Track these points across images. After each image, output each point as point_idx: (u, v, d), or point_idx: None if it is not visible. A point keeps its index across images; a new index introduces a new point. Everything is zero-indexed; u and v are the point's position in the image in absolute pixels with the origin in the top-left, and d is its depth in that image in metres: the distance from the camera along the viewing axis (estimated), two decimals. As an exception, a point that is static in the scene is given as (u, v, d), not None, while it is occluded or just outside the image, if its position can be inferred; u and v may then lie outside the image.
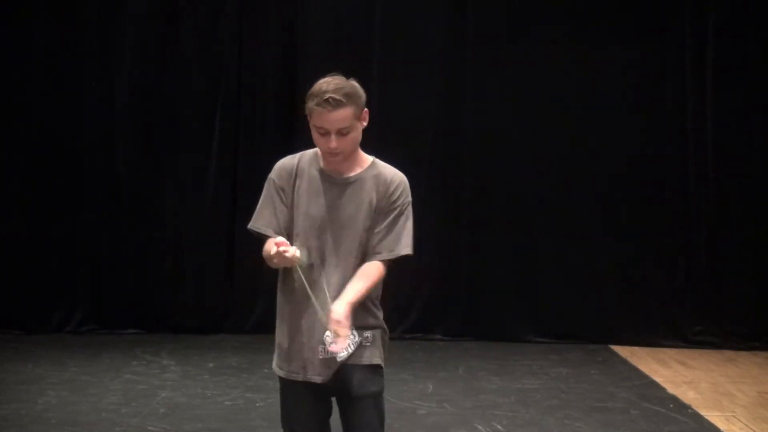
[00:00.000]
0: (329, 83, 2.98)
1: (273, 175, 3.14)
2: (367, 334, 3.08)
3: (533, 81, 8.14)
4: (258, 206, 3.16)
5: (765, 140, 8.09)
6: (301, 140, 7.95)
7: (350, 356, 3.02)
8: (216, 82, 8.22)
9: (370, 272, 3.03)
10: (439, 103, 8.18)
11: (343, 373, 3.05)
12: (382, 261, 3.06)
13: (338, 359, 3.01)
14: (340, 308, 2.90)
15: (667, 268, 8.15)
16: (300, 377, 3.09)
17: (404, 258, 3.10)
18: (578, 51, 8.10)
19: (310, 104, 2.98)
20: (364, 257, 3.07)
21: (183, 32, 8.19)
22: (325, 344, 2.99)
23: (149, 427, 5.35)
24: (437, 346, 7.94)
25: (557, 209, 8.14)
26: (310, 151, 3.16)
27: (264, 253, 3.03)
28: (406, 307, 7.91)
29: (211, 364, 7.07)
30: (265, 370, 6.82)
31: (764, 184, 8.07)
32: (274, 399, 5.97)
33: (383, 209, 3.08)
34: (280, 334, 3.15)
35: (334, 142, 2.98)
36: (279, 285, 3.17)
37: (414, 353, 7.39)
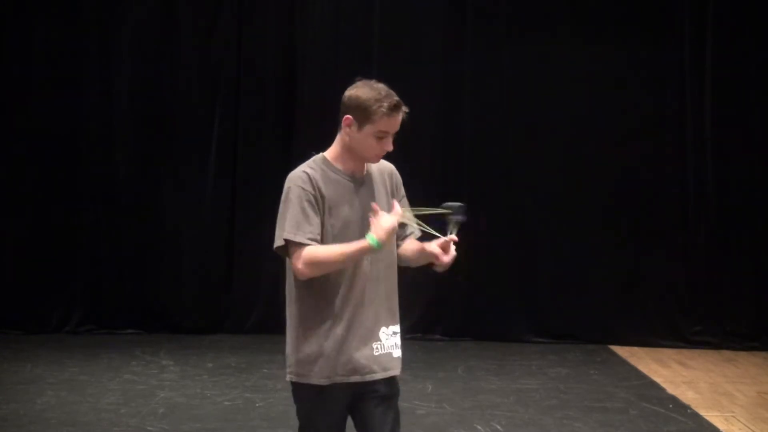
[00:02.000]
0: (382, 88, 3.00)
1: (300, 183, 2.97)
2: (398, 338, 3.18)
3: (533, 81, 8.13)
4: (288, 217, 2.96)
5: (764, 140, 8.09)
6: (300, 141, 8.03)
7: (386, 360, 3.10)
8: (215, 83, 8.22)
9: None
10: (438, 103, 8.18)
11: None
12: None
13: (398, 357, 3.13)
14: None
15: (666, 269, 8.14)
16: (347, 379, 3.03)
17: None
18: (578, 51, 8.09)
19: (379, 110, 2.95)
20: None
21: (182, 33, 8.19)
22: (381, 340, 3.09)
23: (148, 427, 5.35)
24: (436, 346, 7.94)
25: (556, 209, 8.14)
26: (317, 157, 3.09)
27: (328, 258, 2.93)
28: (406, 307, 7.89)
29: (210, 365, 7.06)
30: (265, 371, 6.82)
31: (764, 185, 8.07)
32: (273, 399, 6.00)
33: (399, 199, 3.16)
34: (317, 341, 3.02)
35: (391, 144, 3.03)
36: (306, 291, 3.03)
37: (413, 353, 7.39)
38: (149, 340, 7.85)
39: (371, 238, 2.87)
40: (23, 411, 5.65)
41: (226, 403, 5.97)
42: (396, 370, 3.12)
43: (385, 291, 3.13)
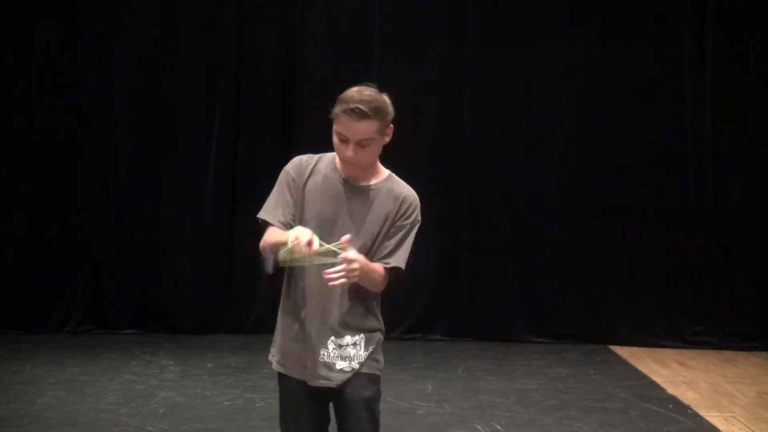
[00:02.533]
0: (361, 93, 2.98)
1: (289, 166, 3.14)
2: (372, 346, 3.13)
3: (533, 81, 8.13)
4: (270, 196, 3.15)
5: (765, 140, 8.09)
6: (300, 141, 8.01)
7: (329, 369, 3.07)
8: (215, 82, 8.21)
9: (377, 266, 3.05)
10: (438, 102, 8.18)
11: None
12: (385, 268, 3.08)
13: (342, 369, 3.06)
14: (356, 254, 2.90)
15: (666, 268, 8.15)
16: (299, 376, 3.12)
17: (397, 272, 3.11)
18: (578, 51, 8.09)
19: (337, 109, 2.98)
20: None
21: (182, 33, 8.18)
22: (328, 349, 3.06)
23: (148, 427, 5.35)
24: (436, 346, 7.93)
25: (556, 209, 8.14)
26: (330, 154, 3.15)
27: (265, 243, 3.03)
28: (406, 307, 7.91)
29: (210, 365, 7.07)
30: (265, 371, 6.82)
31: (763, 185, 8.07)
32: (274, 399, 5.96)
33: (394, 223, 3.11)
34: (282, 332, 3.17)
35: (351, 151, 2.99)
36: (285, 284, 3.17)
37: (413, 353, 7.39)
38: (149, 340, 7.84)
39: (290, 235, 2.85)
40: (23, 411, 5.65)
41: (226, 403, 5.97)
42: (334, 382, 3.07)
43: (341, 303, 3.07)
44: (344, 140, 2.99)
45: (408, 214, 3.12)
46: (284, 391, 3.20)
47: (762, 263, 8.07)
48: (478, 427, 5.48)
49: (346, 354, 3.08)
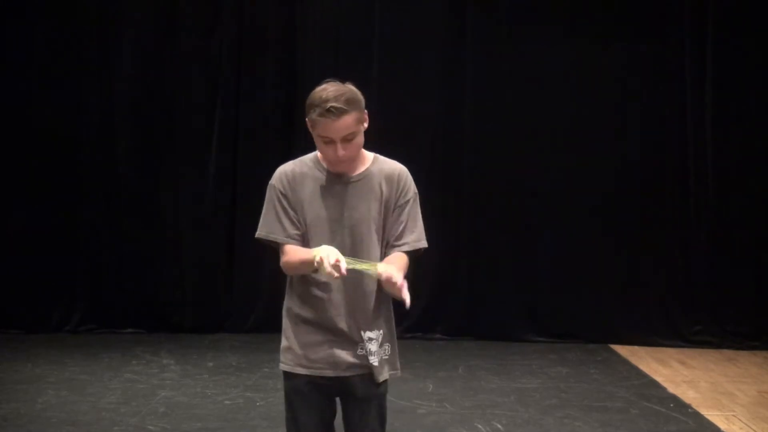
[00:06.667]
0: (328, 91, 2.93)
1: (274, 181, 3.07)
2: (386, 345, 3.15)
3: (533, 81, 8.13)
4: (262, 214, 3.09)
5: (765, 140, 8.09)
6: (300, 141, 8.00)
7: (363, 361, 3.08)
8: (215, 82, 8.21)
9: (401, 259, 3.03)
10: (439, 103, 8.18)
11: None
12: (407, 252, 3.07)
13: (372, 363, 3.07)
14: (391, 270, 2.84)
15: (667, 268, 8.14)
16: (321, 372, 3.05)
17: (421, 252, 3.12)
18: (578, 51, 8.09)
19: (313, 115, 2.93)
20: (384, 252, 3.08)
21: (183, 33, 8.18)
22: (364, 341, 3.06)
23: (149, 427, 5.36)
24: (437, 345, 7.95)
25: (557, 209, 8.14)
26: (310, 155, 3.12)
27: (289, 263, 3.01)
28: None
29: (210, 364, 7.07)
30: (265, 370, 6.83)
31: (764, 184, 8.07)
32: (274, 398, 6.00)
33: (397, 203, 3.09)
34: (299, 332, 3.07)
35: (341, 150, 2.95)
36: (296, 283, 3.09)
37: (414, 353, 7.40)
38: (149, 340, 7.85)
39: (316, 253, 2.85)
40: (23, 410, 5.66)
41: (227, 402, 5.97)
42: (366, 370, 3.10)
43: (367, 296, 3.09)
44: (329, 142, 2.95)
45: (406, 189, 3.09)
46: (295, 393, 3.11)
47: (762, 263, 8.07)
48: (479, 426, 5.48)
49: (373, 348, 3.08)
